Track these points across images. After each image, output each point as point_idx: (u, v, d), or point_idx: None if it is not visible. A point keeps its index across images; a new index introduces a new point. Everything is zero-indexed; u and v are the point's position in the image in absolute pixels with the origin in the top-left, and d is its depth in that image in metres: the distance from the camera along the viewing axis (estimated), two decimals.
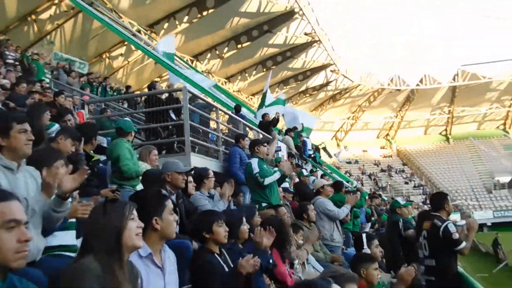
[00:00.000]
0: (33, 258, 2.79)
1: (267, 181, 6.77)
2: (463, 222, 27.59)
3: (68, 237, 3.29)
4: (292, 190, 8.65)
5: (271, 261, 3.76)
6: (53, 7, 24.11)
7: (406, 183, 51.64)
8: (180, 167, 4.88)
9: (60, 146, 4.36)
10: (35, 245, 2.80)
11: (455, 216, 35.74)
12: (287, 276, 4.32)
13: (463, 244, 5.18)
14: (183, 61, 15.13)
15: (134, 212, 2.30)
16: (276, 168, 7.33)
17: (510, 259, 22.40)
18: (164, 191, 3.05)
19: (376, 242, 6.12)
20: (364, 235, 6.34)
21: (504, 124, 59.50)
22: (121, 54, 29.96)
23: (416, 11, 56.83)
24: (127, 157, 5.53)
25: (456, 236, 5.14)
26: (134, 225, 2.26)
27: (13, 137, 2.85)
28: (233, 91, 34.76)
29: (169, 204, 2.83)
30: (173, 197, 4.70)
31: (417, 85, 54.35)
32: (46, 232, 2.99)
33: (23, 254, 1.74)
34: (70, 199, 3.03)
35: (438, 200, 5.63)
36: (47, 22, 24.59)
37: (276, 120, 13.04)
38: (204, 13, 29.45)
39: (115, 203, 2.30)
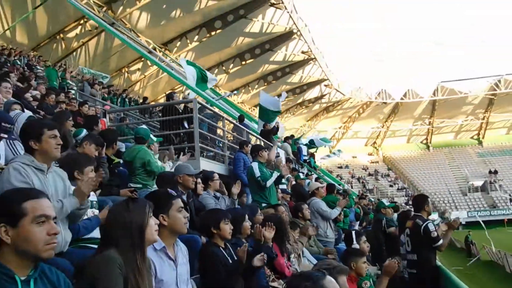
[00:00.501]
0: (60, 249, 2.81)
1: (269, 183, 6.78)
2: (439, 220, 27.56)
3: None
4: (289, 191, 8.63)
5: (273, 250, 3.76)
6: (79, 27, 24.32)
7: (391, 186, 51.43)
8: (190, 170, 4.88)
9: (85, 150, 4.36)
10: (63, 237, 2.83)
11: (433, 216, 35.58)
12: (285, 267, 4.32)
13: (441, 241, 5.18)
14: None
15: None
16: None
17: (483, 254, 22.32)
18: (173, 191, 3.01)
19: (364, 238, 6.07)
20: (353, 232, 6.28)
21: (478, 134, 59.35)
22: (139, 69, 30.09)
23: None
24: (155, 161, 5.55)
25: (434, 234, 5.15)
26: (153, 222, 2.27)
27: (44, 142, 2.85)
28: (237, 102, 34.71)
29: (177, 203, 2.77)
30: (184, 197, 4.70)
31: (401, 98, 54.39)
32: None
33: (52, 246, 1.75)
34: (89, 198, 3.05)
35: (420, 201, 5.63)
36: (74, 40, 24.77)
37: (276, 129, 13.00)
38: (213, 33, 29.66)
39: (136, 202, 2.30)
